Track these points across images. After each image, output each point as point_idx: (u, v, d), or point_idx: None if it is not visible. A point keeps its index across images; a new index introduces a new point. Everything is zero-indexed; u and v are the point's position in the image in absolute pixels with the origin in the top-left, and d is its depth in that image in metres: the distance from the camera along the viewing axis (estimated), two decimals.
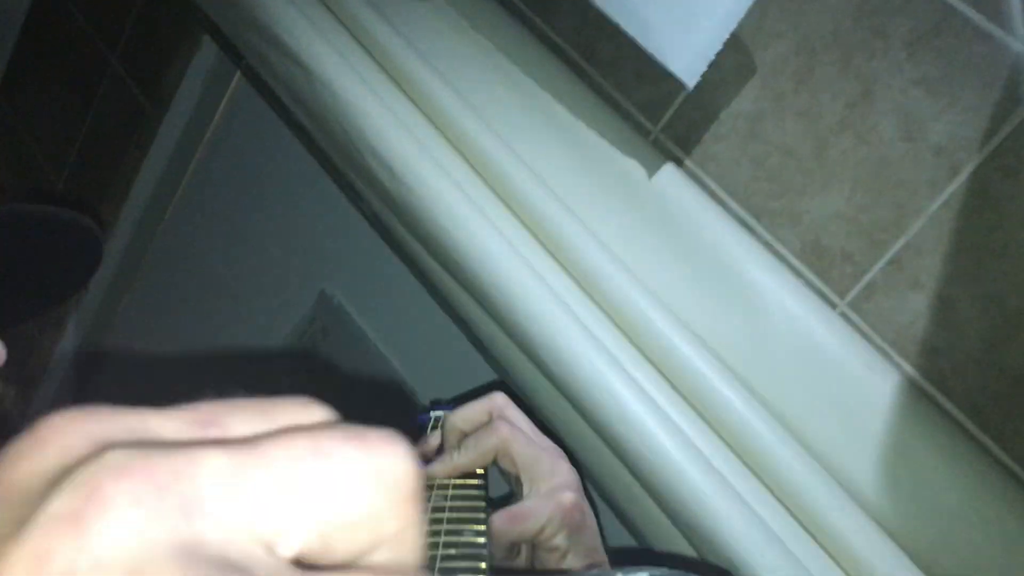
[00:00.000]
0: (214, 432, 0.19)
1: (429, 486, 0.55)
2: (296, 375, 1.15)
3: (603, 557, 0.57)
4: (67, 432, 0.17)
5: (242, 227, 1.24)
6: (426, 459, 0.59)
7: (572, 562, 0.55)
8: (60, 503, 0.15)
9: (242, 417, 0.20)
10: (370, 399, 1.06)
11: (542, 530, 0.54)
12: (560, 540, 0.55)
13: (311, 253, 1.13)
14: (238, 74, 1.17)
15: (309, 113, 0.87)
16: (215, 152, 1.27)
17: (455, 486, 0.55)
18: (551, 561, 0.55)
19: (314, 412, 0.21)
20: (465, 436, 0.60)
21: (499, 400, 0.62)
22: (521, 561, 0.58)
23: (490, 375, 0.88)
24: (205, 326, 1.33)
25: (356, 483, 0.18)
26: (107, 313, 1.50)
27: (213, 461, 0.17)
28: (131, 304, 1.48)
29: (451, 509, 0.50)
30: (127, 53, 1.30)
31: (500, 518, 0.53)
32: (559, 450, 0.61)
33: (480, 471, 0.58)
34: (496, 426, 0.59)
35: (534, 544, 0.56)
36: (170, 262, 1.39)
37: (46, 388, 1.64)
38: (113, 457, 0.16)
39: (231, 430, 0.19)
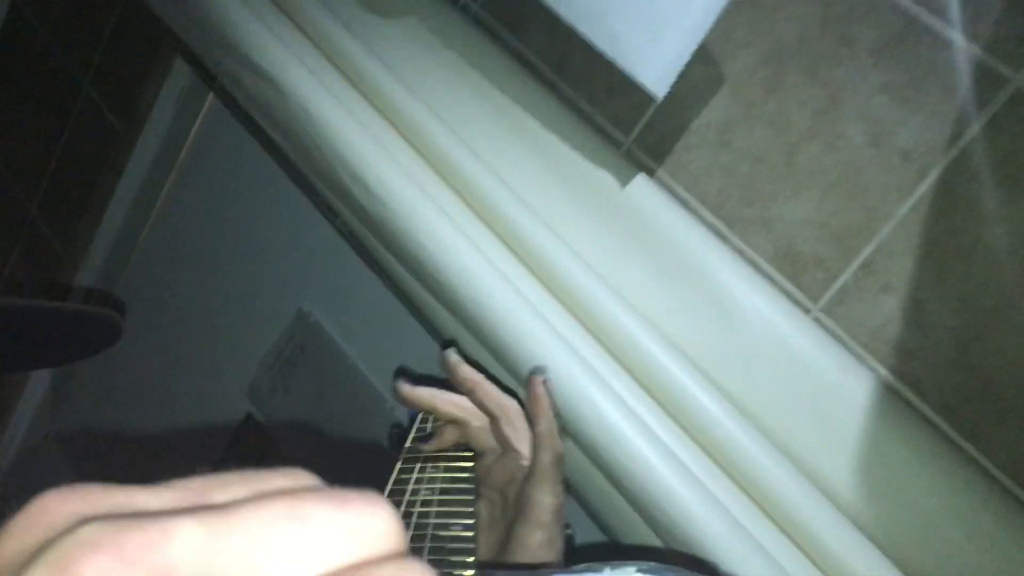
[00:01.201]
0: (195, 504, 0.19)
1: (418, 480, 0.55)
2: (275, 394, 1.15)
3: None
4: (55, 511, 0.18)
5: (218, 247, 1.23)
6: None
7: (552, 556, 0.55)
8: None
9: (231, 490, 0.20)
10: (349, 415, 1.06)
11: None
12: (552, 519, 0.56)
13: (287, 271, 1.13)
14: (211, 95, 1.17)
15: (283, 132, 0.87)
16: (190, 173, 1.26)
17: (444, 479, 0.54)
18: (539, 545, 0.55)
19: (302, 481, 0.21)
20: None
21: (513, 405, 0.65)
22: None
23: None
24: (182, 346, 1.32)
25: (333, 542, 0.19)
26: None
27: (186, 531, 0.18)
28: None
29: (439, 503, 0.50)
30: (99, 76, 1.30)
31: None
32: None
33: (469, 464, 0.57)
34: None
35: (527, 521, 0.56)
36: (145, 284, 1.38)
37: (20, 415, 1.63)
38: (85, 533, 0.17)
39: (214, 501, 0.20)
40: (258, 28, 0.84)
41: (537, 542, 0.55)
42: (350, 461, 1.06)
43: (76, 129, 1.38)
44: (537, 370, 0.66)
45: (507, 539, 0.56)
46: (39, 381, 1.59)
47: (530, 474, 0.58)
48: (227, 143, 1.17)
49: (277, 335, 1.14)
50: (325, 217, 0.95)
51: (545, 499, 0.56)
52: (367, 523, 0.19)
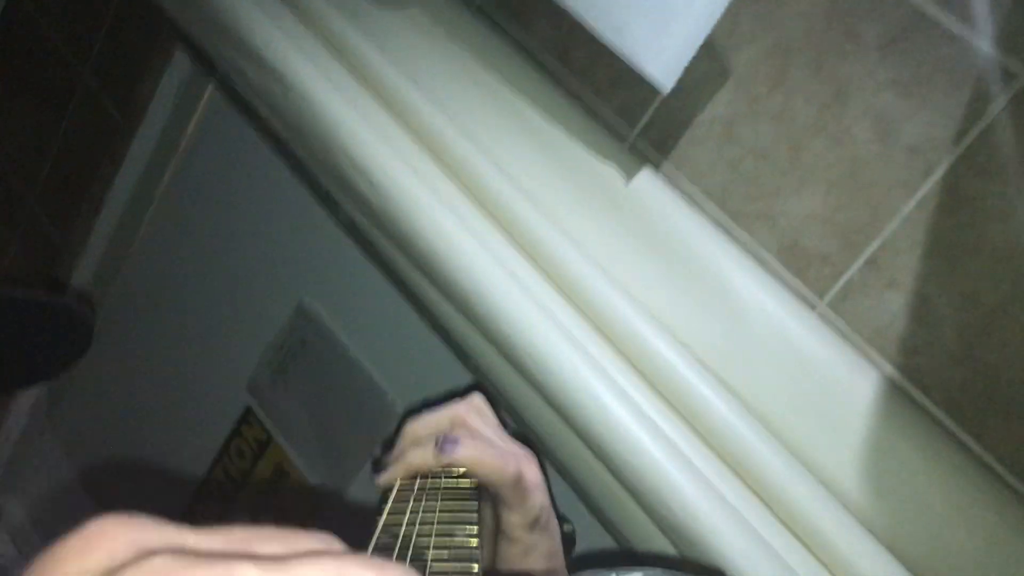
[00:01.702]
0: (244, 552, 0.21)
1: (421, 488, 0.54)
2: (275, 388, 1.14)
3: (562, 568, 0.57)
4: (113, 538, 0.19)
5: (218, 240, 1.23)
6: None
7: (534, 564, 0.55)
8: None
9: (271, 544, 0.21)
10: (350, 409, 1.05)
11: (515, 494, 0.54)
12: (522, 533, 0.55)
13: (288, 265, 1.12)
14: (211, 85, 1.16)
15: (285, 123, 0.87)
16: (189, 165, 1.26)
17: (446, 488, 0.54)
18: (513, 556, 0.55)
19: (334, 545, 0.23)
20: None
21: (462, 409, 0.59)
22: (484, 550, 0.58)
23: (470, 382, 0.88)
24: (181, 340, 1.32)
25: None
26: None
27: (246, 572, 0.19)
28: (106, 319, 1.46)
29: (442, 511, 0.50)
30: (99, 66, 1.29)
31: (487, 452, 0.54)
32: (527, 454, 0.58)
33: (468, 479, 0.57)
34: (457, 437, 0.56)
35: (499, 532, 0.56)
36: (145, 276, 1.38)
37: (17, 408, 1.62)
38: (159, 563, 0.18)
39: (260, 552, 0.21)
40: (260, 18, 0.83)
41: (513, 554, 0.55)
42: (349, 454, 1.06)
43: (75, 120, 1.37)
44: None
45: (495, 551, 0.57)
46: None
47: (494, 495, 0.57)
48: (227, 134, 1.16)
49: (277, 328, 1.13)
50: (326, 210, 0.95)
51: (512, 517, 0.55)
52: None
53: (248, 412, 1.21)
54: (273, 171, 1.04)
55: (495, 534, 0.57)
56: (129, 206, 1.33)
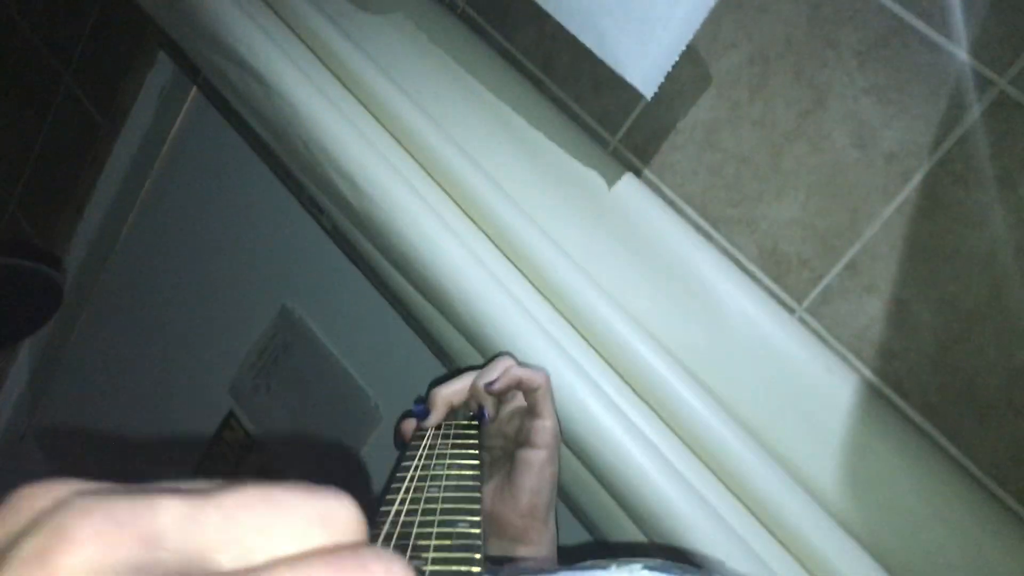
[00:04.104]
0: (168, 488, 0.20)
1: (423, 476, 0.55)
2: (258, 392, 1.14)
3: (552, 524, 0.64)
4: (38, 497, 0.19)
5: (201, 244, 1.22)
6: (407, 437, 0.64)
7: (543, 477, 0.62)
8: (29, 546, 0.17)
9: (195, 482, 0.21)
10: (332, 413, 1.05)
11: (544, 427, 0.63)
12: (547, 440, 0.63)
13: (271, 268, 1.12)
14: (194, 89, 1.16)
15: (268, 127, 0.87)
16: (172, 168, 1.25)
17: (449, 476, 0.54)
18: (533, 461, 0.62)
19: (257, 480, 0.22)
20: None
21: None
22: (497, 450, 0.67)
23: None
24: (163, 344, 1.31)
25: (304, 525, 0.20)
26: (64, 331, 1.48)
27: (170, 503, 0.19)
28: (88, 322, 1.45)
29: (445, 500, 0.50)
30: (81, 69, 1.29)
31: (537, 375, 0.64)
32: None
33: (475, 461, 0.57)
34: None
35: (521, 440, 0.64)
36: (127, 280, 1.37)
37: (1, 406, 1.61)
38: (77, 501, 0.18)
39: (184, 487, 0.20)
40: (245, 22, 0.83)
41: (541, 460, 0.62)
42: (332, 459, 1.06)
43: (57, 123, 1.36)
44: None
45: (512, 466, 0.63)
46: (18, 375, 1.57)
47: (529, 408, 0.64)
48: (210, 138, 1.16)
49: (260, 332, 1.13)
50: (309, 213, 0.95)
51: (546, 423, 0.63)
52: (333, 512, 0.20)
53: (230, 415, 1.20)
54: (256, 174, 1.04)
55: (521, 451, 0.64)
56: (111, 210, 1.32)
